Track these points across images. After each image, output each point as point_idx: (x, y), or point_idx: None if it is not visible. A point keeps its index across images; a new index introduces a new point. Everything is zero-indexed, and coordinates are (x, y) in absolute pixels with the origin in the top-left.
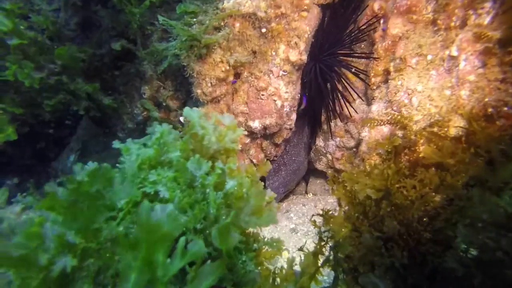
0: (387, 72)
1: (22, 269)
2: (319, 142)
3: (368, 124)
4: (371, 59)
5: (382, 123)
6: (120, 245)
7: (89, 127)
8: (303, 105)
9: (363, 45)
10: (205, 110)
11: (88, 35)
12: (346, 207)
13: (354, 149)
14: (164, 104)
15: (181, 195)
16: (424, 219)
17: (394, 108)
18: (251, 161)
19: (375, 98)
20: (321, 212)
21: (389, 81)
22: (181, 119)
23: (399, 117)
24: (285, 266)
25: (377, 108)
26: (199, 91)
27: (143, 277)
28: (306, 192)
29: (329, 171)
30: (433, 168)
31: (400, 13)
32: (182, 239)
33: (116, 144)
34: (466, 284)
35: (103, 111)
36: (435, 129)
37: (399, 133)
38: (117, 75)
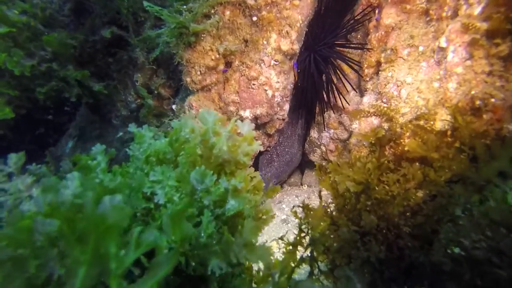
0: (379, 63)
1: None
2: (313, 133)
3: (357, 116)
4: (364, 49)
5: (369, 115)
6: (65, 240)
7: (87, 114)
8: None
9: (359, 35)
10: (196, 98)
11: (81, 21)
12: (329, 200)
13: (348, 141)
14: (156, 92)
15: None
16: (406, 214)
17: (384, 100)
18: None
19: (367, 89)
20: (301, 204)
21: (379, 72)
22: (174, 107)
23: (385, 109)
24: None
25: (368, 100)
26: (188, 79)
27: (93, 271)
28: (302, 184)
29: (323, 163)
30: (417, 163)
31: (394, 2)
32: (137, 229)
33: (132, 128)
34: (447, 279)
35: (95, 98)
36: (421, 122)
37: (385, 125)
38: (110, 62)
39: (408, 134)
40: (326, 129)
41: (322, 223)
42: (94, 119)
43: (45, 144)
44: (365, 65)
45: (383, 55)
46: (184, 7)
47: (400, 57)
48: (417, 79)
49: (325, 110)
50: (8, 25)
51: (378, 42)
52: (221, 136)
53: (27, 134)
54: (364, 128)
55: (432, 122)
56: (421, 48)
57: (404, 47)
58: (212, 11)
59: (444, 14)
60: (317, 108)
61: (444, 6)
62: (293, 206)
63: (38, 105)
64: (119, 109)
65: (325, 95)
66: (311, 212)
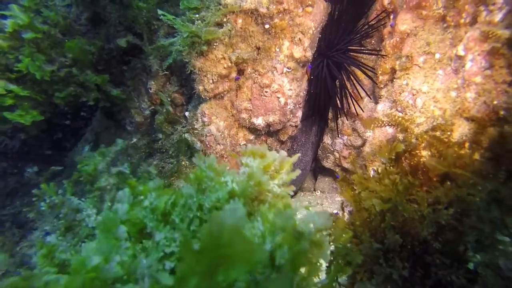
0: (394, 70)
1: None
2: (327, 139)
3: (371, 125)
4: (379, 56)
5: (383, 124)
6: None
7: (102, 119)
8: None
9: (373, 41)
10: (209, 106)
11: (97, 30)
12: (350, 209)
13: (361, 148)
14: (169, 99)
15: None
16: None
17: (398, 109)
18: None
19: (381, 97)
20: None
21: (394, 80)
22: (187, 114)
23: (400, 119)
24: None
25: (382, 107)
26: (200, 87)
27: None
28: (315, 189)
29: (337, 169)
30: (440, 179)
31: (410, 8)
32: None
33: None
34: None
35: (112, 102)
36: (438, 133)
37: (400, 136)
38: (125, 69)
39: (423, 145)
40: (339, 135)
41: (344, 235)
42: (109, 124)
43: (63, 148)
44: (380, 72)
45: (398, 62)
46: (197, 16)
47: (415, 64)
48: (433, 88)
49: (339, 116)
50: (35, 32)
51: (393, 49)
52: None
53: (46, 139)
54: (378, 137)
55: (449, 133)
56: (437, 56)
57: (420, 54)
58: (225, 20)
59: (462, 21)
60: (330, 114)
61: (462, 13)
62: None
63: (57, 110)
64: (132, 116)
65: (338, 101)
66: (334, 223)
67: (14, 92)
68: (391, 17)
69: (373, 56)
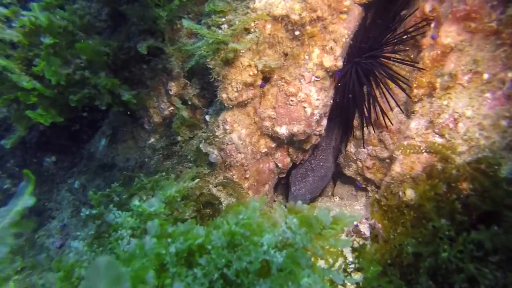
0: (432, 86)
1: None
2: (350, 148)
3: (406, 151)
4: (415, 68)
5: (419, 151)
6: None
7: (119, 114)
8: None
9: (408, 48)
10: (231, 113)
11: (117, 28)
12: (372, 221)
13: (387, 160)
14: (189, 102)
15: None
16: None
17: (436, 131)
18: (276, 165)
19: (415, 112)
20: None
21: (434, 98)
22: (207, 117)
23: (439, 147)
24: None
25: (416, 125)
26: (224, 95)
27: None
28: (333, 195)
29: (358, 178)
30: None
31: (456, 19)
32: None
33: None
34: None
35: (126, 106)
36: (483, 166)
37: (439, 165)
38: (145, 68)
39: (465, 177)
40: (364, 145)
41: (372, 268)
42: (126, 120)
43: (80, 140)
44: (415, 85)
45: (439, 80)
46: (223, 19)
47: (459, 83)
48: (479, 113)
49: (365, 125)
50: (53, 34)
51: (433, 62)
52: None
53: (64, 131)
54: (409, 161)
55: (496, 167)
56: (486, 76)
57: (465, 72)
58: (253, 25)
59: None
60: (355, 121)
61: None
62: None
63: (74, 108)
64: (151, 115)
65: (365, 110)
66: (362, 251)
67: (38, 90)
68: (432, 26)
69: (406, 67)
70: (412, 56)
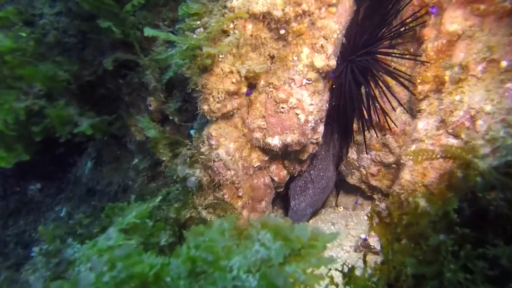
0: (439, 80)
1: None
2: (352, 154)
3: (418, 158)
4: (417, 62)
5: (434, 157)
6: None
7: None
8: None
9: (407, 41)
10: (216, 126)
11: (89, 41)
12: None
13: (394, 166)
14: (171, 117)
15: None
16: None
17: (450, 131)
18: (272, 179)
19: (421, 111)
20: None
21: (443, 94)
22: (192, 132)
23: (458, 151)
24: None
25: (424, 126)
26: (205, 107)
27: None
28: (337, 205)
29: (363, 186)
30: None
31: (461, 2)
32: None
33: None
34: None
35: (89, 136)
36: None
37: (459, 172)
38: (121, 83)
39: (492, 184)
40: (367, 150)
41: None
42: (109, 140)
43: (65, 164)
44: (419, 81)
45: (448, 72)
46: (198, 22)
47: (472, 75)
48: (501, 107)
49: (366, 129)
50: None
51: (438, 54)
52: None
53: (48, 155)
54: (420, 168)
55: None
56: (504, 64)
57: (478, 61)
58: (231, 26)
59: None
60: (354, 125)
61: None
62: (329, 270)
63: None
64: (133, 134)
65: (365, 112)
66: (354, 278)
67: None
68: (432, 12)
69: (407, 62)
70: (412, 49)
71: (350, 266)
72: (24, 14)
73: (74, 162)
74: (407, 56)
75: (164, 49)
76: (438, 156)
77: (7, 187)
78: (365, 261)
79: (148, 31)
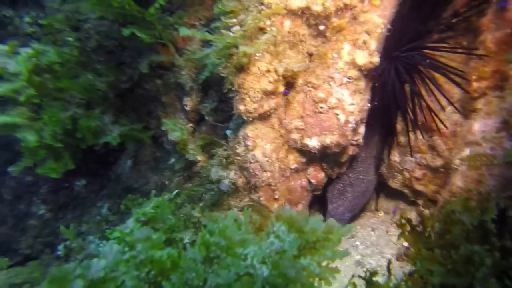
0: (502, 75)
1: None
2: (394, 157)
3: (468, 162)
4: (472, 56)
5: (493, 162)
6: None
7: None
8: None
9: (459, 35)
10: (252, 127)
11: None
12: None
13: (442, 170)
14: (207, 117)
15: None
16: None
17: None
18: (309, 181)
19: (477, 110)
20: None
21: (506, 91)
22: (228, 133)
23: None
24: None
25: (482, 127)
26: (241, 107)
27: None
28: (377, 209)
29: (406, 191)
30: None
31: None
32: None
33: None
34: None
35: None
36: None
37: None
38: (159, 84)
39: None
40: (411, 153)
41: None
42: None
43: (107, 162)
44: (474, 77)
45: None
46: (234, 20)
47: None
48: None
49: (411, 129)
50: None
51: (500, 46)
52: None
53: (90, 154)
54: (475, 173)
55: None
56: None
57: None
58: (268, 23)
59: None
60: (398, 126)
61: None
62: (352, 276)
63: None
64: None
65: (410, 112)
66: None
67: (45, 143)
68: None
69: (456, 57)
70: (465, 43)
71: (371, 271)
72: (71, 20)
73: (115, 161)
74: (460, 50)
75: (199, 49)
76: (500, 161)
77: (59, 182)
78: (389, 269)
79: (184, 31)
